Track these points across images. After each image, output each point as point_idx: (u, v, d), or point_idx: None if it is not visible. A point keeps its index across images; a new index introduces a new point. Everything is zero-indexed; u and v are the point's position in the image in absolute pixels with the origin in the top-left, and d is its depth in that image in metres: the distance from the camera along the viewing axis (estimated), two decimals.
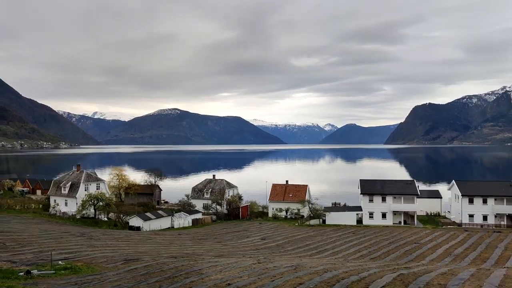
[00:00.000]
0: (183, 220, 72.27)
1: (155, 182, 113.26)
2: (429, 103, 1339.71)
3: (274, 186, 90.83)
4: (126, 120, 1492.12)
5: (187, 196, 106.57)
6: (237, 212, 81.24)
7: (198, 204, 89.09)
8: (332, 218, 71.23)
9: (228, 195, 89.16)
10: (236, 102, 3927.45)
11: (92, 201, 71.06)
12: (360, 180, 76.23)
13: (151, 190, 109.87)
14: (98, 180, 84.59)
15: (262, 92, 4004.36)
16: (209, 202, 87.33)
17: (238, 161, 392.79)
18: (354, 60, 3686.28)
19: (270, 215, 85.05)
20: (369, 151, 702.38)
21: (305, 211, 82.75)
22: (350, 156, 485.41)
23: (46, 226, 56.10)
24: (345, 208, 75.11)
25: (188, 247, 45.04)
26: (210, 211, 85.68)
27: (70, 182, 79.05)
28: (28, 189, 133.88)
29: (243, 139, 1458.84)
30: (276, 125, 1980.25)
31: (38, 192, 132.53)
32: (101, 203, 71.59)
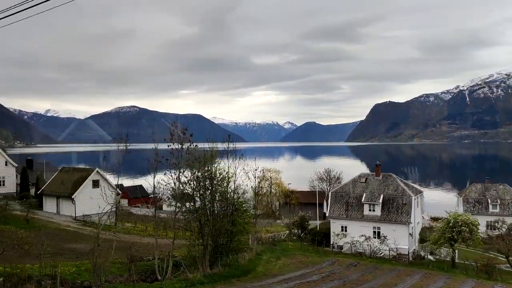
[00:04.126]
0: None
1: (329, 187, 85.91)
2: (389, 101, 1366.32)
3: None
4: (82, 118, 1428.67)
5: None
6: None
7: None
8: None
9: None
10: (195, 100, 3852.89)
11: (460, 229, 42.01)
12: None
13: (318, 199, 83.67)
14: (418, 192, 54.36)
15: (222, 90, 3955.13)
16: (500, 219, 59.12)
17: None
18: (313, 58, 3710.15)
19: None
20: (342, 148, 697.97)
21: None
22: (333, 153, 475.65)
23: None
24: None
25: None
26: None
27: (382, 196, 49.21)
28: None
29: (204, 137, 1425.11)
30: (236, 123, 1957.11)
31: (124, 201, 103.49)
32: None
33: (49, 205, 57.65)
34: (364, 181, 52.62)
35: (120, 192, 59.11)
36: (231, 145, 33.77)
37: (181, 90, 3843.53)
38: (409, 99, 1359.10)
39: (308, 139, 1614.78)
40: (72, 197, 54.31)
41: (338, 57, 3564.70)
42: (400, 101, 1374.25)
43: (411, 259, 45.53)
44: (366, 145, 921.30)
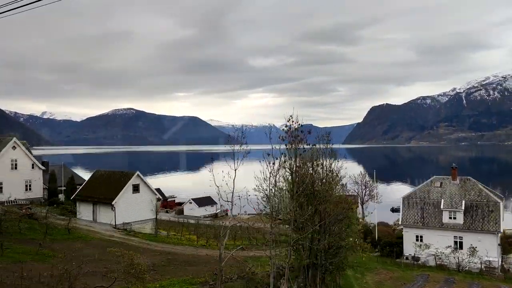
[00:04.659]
0: None
1: (364, 191, 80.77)
2: (386, 103, 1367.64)
3: None
4: (78, 120, 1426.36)
5: None
6: None
7: None
8: None
9: None
10: (192, 102, 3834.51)
11: None
12: None
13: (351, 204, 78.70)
14: (500, 197, 47.18)
15: (218, 92, 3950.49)
16: None
17: None
18: (310, 61, 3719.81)
19: None
20: (340, 150, 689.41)
21: None
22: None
23: None
24: None
25: None
26: None
27: (464, 202, 43.57)
28: None
29: (201, 139, 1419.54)
30: (233, 125, 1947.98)
31: None
32: None
33: (84, 211, 52.49)
34: (439, 185, 47.41)
35: (161, 197, 54.05)
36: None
37: (178, 92, 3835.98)
38: (406, 101, 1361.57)
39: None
40: (112, 203, 48.84)
41: (335, 60, 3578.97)
42: (397, 103, 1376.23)
43: (499, 272, 40.92)
44: (364, 148, 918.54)
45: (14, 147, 59.47)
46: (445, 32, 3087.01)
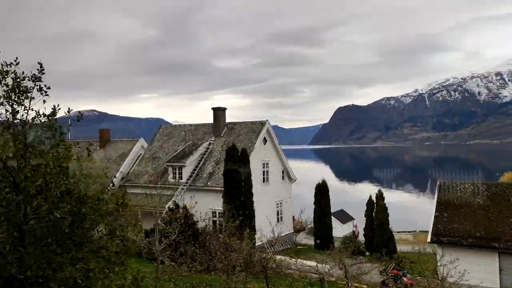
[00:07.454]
0: None
1: None
2: (352, 104, 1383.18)
3: None
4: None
5: None
6: None
7: None
8: None
9: None
10: (156, 104, 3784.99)
11: None
12: None
13: None
14: None
15: (183, 93, 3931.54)
16: None
17: None
18: (275, 62, 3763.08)
19: None
20: (307, 152, 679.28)
21: None
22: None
23: None
24: None
25: None
26: None
27: None
28: None
29: None
30: None
31: None
32: None
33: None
34: None
35: None
36: None
37: (142, 94, 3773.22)
38: (370, 103, 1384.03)
39: None
40: None
41: (300, 61, 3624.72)
42: (363, 104, 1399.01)
43: None
44: (332, 148, 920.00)
45: (265, 140, 34.72)
46: (406, 35, 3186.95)
